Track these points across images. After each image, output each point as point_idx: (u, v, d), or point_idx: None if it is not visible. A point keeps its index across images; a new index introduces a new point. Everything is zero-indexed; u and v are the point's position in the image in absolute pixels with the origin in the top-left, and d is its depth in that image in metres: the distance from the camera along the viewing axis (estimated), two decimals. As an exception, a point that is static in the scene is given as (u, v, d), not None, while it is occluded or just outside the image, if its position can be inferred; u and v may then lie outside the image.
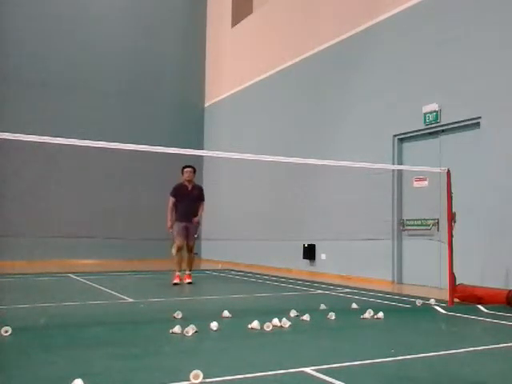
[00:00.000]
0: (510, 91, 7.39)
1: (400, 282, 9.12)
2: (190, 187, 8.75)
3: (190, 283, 8.60)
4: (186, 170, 8.77)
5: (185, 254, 8.71)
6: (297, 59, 12.05)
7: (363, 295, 7.37)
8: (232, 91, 14.72)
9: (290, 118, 12.14)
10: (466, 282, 6.76)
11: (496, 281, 7.10)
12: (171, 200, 8.66)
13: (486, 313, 5.72)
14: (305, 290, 8.07)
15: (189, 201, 8.63)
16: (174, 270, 8.63)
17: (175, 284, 8.47)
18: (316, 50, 11.43)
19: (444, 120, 8.38)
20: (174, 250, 8.59)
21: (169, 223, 8.58)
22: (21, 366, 3.31)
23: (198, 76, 16.21)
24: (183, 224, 8.57)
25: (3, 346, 3.89)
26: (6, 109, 13.11)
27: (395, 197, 9.21)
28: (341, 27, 10.68)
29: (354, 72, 10.26)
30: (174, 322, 4.69)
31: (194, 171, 8.86)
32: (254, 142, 12.99)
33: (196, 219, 8.69)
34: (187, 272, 8.72)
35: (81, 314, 5.58)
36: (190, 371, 2.91)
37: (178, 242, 8.57)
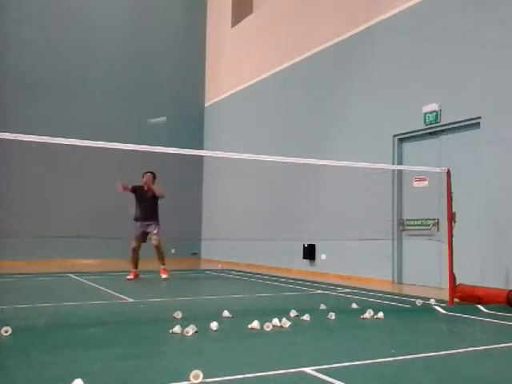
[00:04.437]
0: (510, 91, 7.39)
1: (400, 282, 9.12)
2: (147, 190, 9.24)
3: (165, 279, 8.95)
4: (146, 175, 9.34)
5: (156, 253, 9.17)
6: (297, 59, 12.05)
7: (363, 295, 7.37)
8: (232, 91, 14.72)
9: (289, 118, 12.14)
10: (465, 282, 6.76)
11: (496, 281, 7.11)
12: (122, 184, 9.11)
13: (486, 313, 5.72)
14: (305, 290, 8.07)
15: (146, 202, 9.14)
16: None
17: (128, 279, 9.00)
18: (316, 50, 11.43)
19: (444, 120, 8.38)
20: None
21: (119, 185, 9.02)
22: (21, 366, 3.31)
23: (198, 76, 16.20)
24: (141, 228, 9.15)
25: (3, 346, 3.89)
26: (6, 109, 13.10)
27: (395, 197, 9.21)
28: (341, 27, 10.68)
29: (353, 72, 10.26)
30: (173, 322, 4.69)
31: (155, 178, 9.35)
32: (254, 142, 12.98)
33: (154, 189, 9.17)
34: (162, 266, 9.13)
35: (81, 314, 5.58)
36: (190, 371, 2.91)
37: (133, 244, 9.16)
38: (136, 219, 9.21)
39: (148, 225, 9.17)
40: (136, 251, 9.18)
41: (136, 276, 9.17)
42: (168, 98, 15.46)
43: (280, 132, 12.40)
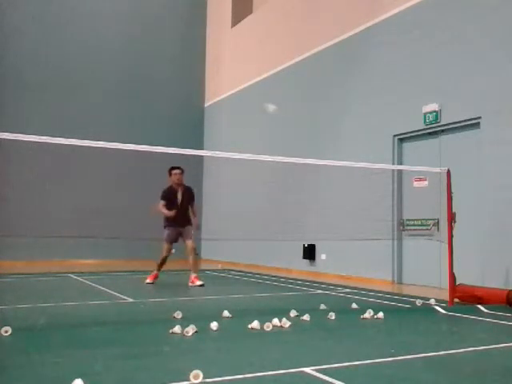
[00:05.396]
0: (510, 91, 7.39)
1: (400, 282, 9.12)
2: (180, 190, 8.30)
3: (201, 285, 8.10)
4: (174, 172, 8.27)
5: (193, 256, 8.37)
6: (297, 59, 12.05)
7: (363, 295, 7.37)
8: (232, 91, 14.73)
9: (289, 118, 12.14)
10: (466, 282, 6.76)
11: (496, 281, 7.11)
12: (161, 203, 8.18)
13: (486, 313, 5.72)
14: (305, 290, 8.07)
15: (180, 206, 8.21)
16: (156, 270, 8.46)
17: (148, 283, 8.33)
18: (316, 50, 11.43)
19: (444, 120, 8.38)
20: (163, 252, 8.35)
21: (166, 211, 8.07)
22: (21, 366, 3.31)
23: (198, 76, 16.21)
24: (176, 230, 8.26)
25: (3, 346, 3.88)
26: (6, 109, 13.11)
27: (395, 197, 9.21)
28: (341, 27, 10.68)
29: (353, 72, 10.26)
30: (174, 322, 4.69)
31: (183, 172, 8.35)
32: (254, 142, 12.99)
33: (196, 223, 8.38)
34: (195, 274, 8.29)
35: (81, 314, 5.58)
36: (190, 371, 2.91)
37: (165, 248, 8.29)
38: (168, 225, 8.24)
39: (183, 230, 8.29)
40: (168, 255, 8.32)
41: (156, 277, 8.47)
42: (168, 98, 15.47)
43: (280, 132, 12.40)
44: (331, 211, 10.21)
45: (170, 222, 8.23)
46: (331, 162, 6.92)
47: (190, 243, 8.33)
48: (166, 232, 8.32)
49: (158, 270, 8.52)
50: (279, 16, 13.01)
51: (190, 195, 8.41)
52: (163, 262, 8.46)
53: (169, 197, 8.23)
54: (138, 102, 14.94)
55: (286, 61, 12.41)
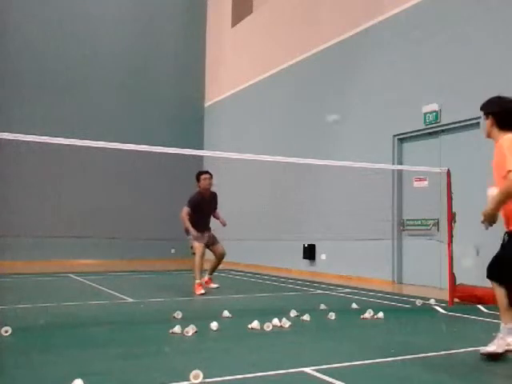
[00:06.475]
0: (509, 91, 7.37)
1: (400, 282, 9.12)
2: (207, 197, 7.72)
3: (216, 287, 7.97)
4: (203, 176, 7.64)
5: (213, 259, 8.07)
6: (297, 59, 12.05)
7: (363, 295, 7.37)
8: (232, 91, 14.73)
9: (290, 118, 12.14)
10: (465, 282, 6.75)
11: (496, 281, 7.09)
12: (186, 211, 7.41)
13: (486, 313, 5.72)
14: (305, 290, 8.07)
15: (207, 212, 7.72)
16: (194, 278, 7.46)
17: (202, 294, 7.25)
18: (316, 50, 11.42)
19: (444, 120, 8.38)
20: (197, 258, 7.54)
21: (191, 229, 7.37)
22: (21, 366, 3.31)
23: (198, 76, 16.22)
24: (203, 235, 7.65)
25: (3, 346, 3.89)
26: (6, 109, 13.10)
27: (395, 197, 9.21)
28: (341, 27, 10.68)
29: (353, 72, 10.26)
30: (174, 322, 4.70)
31: (212, 176, 7.75)
32: (254, 142, 12.98)
33: (223, 221, 7.86)
34: (209, 276, 8.12)
35: (81, 314, 5.58)
36: (190, 371, 2.91)
37: (199, 248, 7.51)
38: (200, 232, 7.53)
39: (210, 233, 7.81)
40: (203, 256, 7.56)
41: (201, 285, 7.49)
42: (168, 98, 15.46)
43: (280, 132, 12.40)
44: (331, 211, 10.21)
45: (197, 228, 7.49)
46: (331, 162, 6.92)
47: (222, 248, 7.99)
48: (195, 232, 7.48)
49: (200, 277, 7.51)
50: (279, 16, 13.01)
51: (216, 202, 7.94)
52: (201, 265, 7.54)
53: (198, 206, 7.52)
54: (138, 102, 14.94)
55: (286, 61, 12.40)
